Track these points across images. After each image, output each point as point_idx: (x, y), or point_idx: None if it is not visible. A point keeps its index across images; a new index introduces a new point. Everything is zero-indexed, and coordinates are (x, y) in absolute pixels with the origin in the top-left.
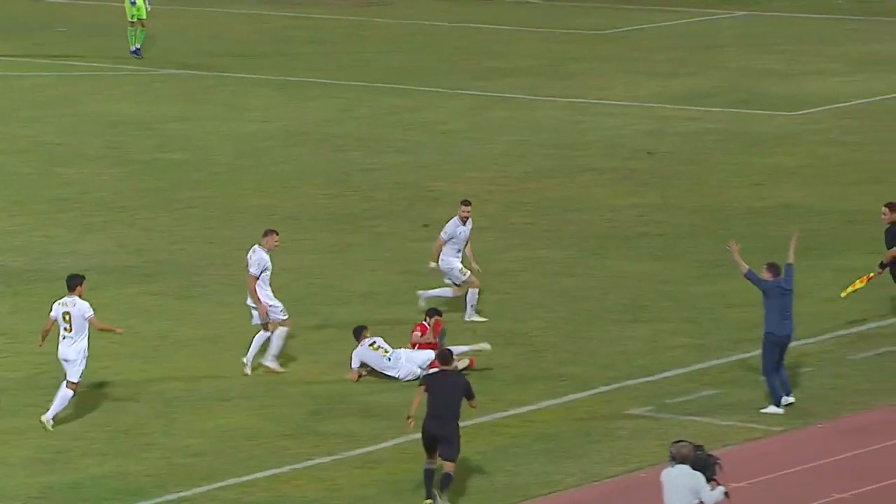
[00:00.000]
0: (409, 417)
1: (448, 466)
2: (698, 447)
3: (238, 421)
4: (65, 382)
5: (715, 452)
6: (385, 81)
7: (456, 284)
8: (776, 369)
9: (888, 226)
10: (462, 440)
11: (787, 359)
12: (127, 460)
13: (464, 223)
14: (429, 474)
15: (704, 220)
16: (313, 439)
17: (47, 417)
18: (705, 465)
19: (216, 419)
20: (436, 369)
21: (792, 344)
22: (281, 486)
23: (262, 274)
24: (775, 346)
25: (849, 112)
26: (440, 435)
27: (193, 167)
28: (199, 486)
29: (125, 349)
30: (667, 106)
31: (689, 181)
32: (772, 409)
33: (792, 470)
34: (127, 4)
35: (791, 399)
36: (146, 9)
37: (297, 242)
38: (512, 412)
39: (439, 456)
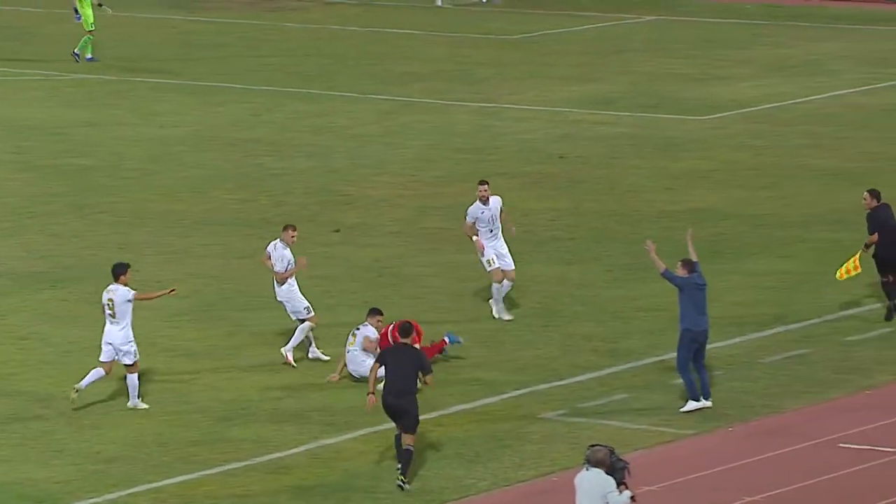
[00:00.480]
0: (369, 394)
1: (408, 440)
2: (611, 451)
3: (148, 427)
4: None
5: (626, 456)
6: (294, 86)
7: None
8: (696, 368)
9: (868, 211)
10: (374, 444)
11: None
12: (36, 467)
13: (485, 203)
14: (398, 439)
15: (616, 223)
16: (224, 445)
17: (133, 404)
18: (614, 469)
19: (127, 426)
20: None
21: None
22: (192, 493)
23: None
24: (693, 342)
25: (758, 116)
26: (398, 407)
27: (102, 172)
28: (110, 492)
29: (34, 356)
30: (578, 110)
31: (600, 185)
32: (691, 404)
33: (703, 473)
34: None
35: (708, 403)
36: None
37: (208, 247)
38: (424, 417)
39: (399, 427)
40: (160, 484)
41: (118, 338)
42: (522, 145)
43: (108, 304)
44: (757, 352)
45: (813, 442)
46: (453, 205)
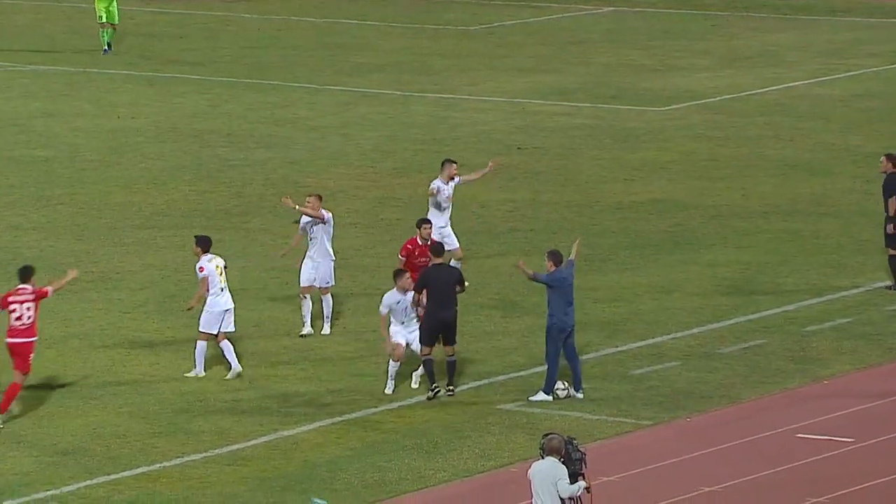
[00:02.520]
0: (418, 303)
1: (449, 351)
2: (570, 441)
3: (107, 419)
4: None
5: (584, 447)
6: (253, 77)
7: None
8: (567, 359)
9: (885, 175)
10: (333, 436)
11: (656, 352)
12: None
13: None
14: (429, 364)
15: (575, 215)
16: (183, 437)
17: (234, 374)
18: (571, 459)
19: (85, 417)
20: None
21: (661, 338)
22: (150, 484)
23: (308, 235)
24: (561, 333)
25: (716, 107)
26: (446, 319)
27: (61, 164)
28: (68, 484)
29: None
30: (536, 101)
31: (559, 176)
32: (541, 396)
33: (661, 463)
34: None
35: (580, 395)
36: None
37: (167, 239)
38: (383, 408)
39: (442, 342)
40: (118, 476)
41: (232, 302)
42: (480, 136)
43: (217, 270)
44: (715, 342)
45: (771, 432)
46: (412, 196)
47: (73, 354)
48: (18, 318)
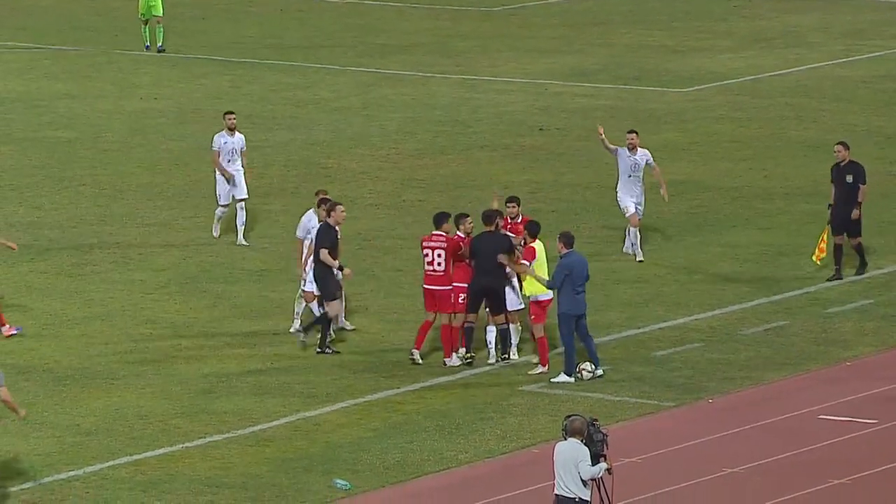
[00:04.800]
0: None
1: (500, 320)
2: (592, 422)
3: (129, 399)
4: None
5: (607, 428)
6: (275, 58)
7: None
8: (580, 338)
9: (841, 162)
10: (355, 417)
11: (678, 333)
12: (16, 439)
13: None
14: (469, 331)
15: (596, 196)
16: (205, 417)
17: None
18: (592, 440)
19: (107, 398)
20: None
21: (683, 319)
22: (173, 465)
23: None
24: (571, 318)
25: (738, 88)
26: (490, 287)
27: (83, 145)
28: (91, 464)
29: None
30: (557, 82)
31: (581, 157)
32: (562, 377)
33: (683, 445)
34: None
35: (600, 371)
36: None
37: (189, 220)
38: (405, 389)
39: (488, 310)
40: (140, 456)
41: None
42: (502, 118)
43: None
44: (737, 324)
45: (793, 414)
46: (434, 177)
47: (95, 335)
48: (430, 264)
